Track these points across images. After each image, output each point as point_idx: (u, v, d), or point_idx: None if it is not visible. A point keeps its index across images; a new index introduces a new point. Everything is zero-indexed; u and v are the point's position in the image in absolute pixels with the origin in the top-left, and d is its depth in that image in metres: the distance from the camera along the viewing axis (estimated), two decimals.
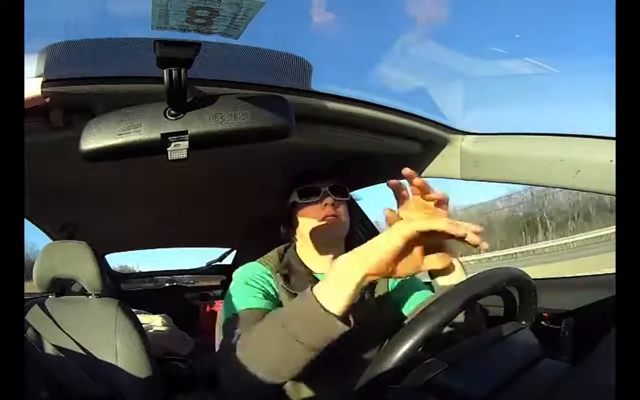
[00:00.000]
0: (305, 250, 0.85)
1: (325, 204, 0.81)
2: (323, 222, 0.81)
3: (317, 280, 0.81)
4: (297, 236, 0.86)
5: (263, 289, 0.74)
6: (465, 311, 0.57)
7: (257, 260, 0.82)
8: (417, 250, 0.51)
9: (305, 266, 0.83)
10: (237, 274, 0.79)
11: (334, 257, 0.84)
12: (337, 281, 0.50)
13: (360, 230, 1.44)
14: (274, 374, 0.54)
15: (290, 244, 0.88)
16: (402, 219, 0.58)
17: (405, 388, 0.48)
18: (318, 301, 0.49)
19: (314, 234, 0.82)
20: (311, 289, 0.51)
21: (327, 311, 0.49)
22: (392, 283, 0.84)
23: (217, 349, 0.94)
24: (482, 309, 0.79)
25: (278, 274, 0.77)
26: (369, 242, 0.51)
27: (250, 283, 0.74)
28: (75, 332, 0.97)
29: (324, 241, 0.83)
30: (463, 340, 0.58)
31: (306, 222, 0.83)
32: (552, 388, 0.48)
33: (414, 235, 0.48)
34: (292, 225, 0.86)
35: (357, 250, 0.51)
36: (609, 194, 0.66)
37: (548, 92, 0.93)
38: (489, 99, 0.97)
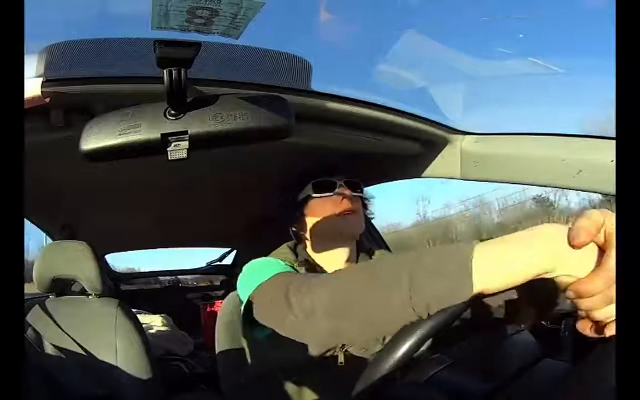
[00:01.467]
0: (316, 247, 0.83)
1: (343, 198, 0.79)
2: (341, 217, 0.79)
3: None
4: (309, 233, 0.83)
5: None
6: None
7: (270, 255, 0.78)
8: None
9: (318, 264, 0.81)
10: (254, 263, 0.74)
11: (347, 258, 0.82)
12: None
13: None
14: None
15: (298, 242, 0.86)
16: None
17: (409, 383, 0.48)
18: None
19: (330, 228, 0.80)
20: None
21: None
22: None
23: (217, 349, 0.95)
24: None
25: (296, 269, 0.75)
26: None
27: (279, 264, 0.71)
28: (75, 332, 0.97)
29: (339, 237, 0.81)
30: (466, 338, 0.58)
31: (322, 216, 0.80)
32: (552, 388, 0.48)
33: None
34: (304, 221, 0.83)
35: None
36: (609, 194, 0.65)
37: (549, 92, 0.93)
38: (489, 99, 0.97)
